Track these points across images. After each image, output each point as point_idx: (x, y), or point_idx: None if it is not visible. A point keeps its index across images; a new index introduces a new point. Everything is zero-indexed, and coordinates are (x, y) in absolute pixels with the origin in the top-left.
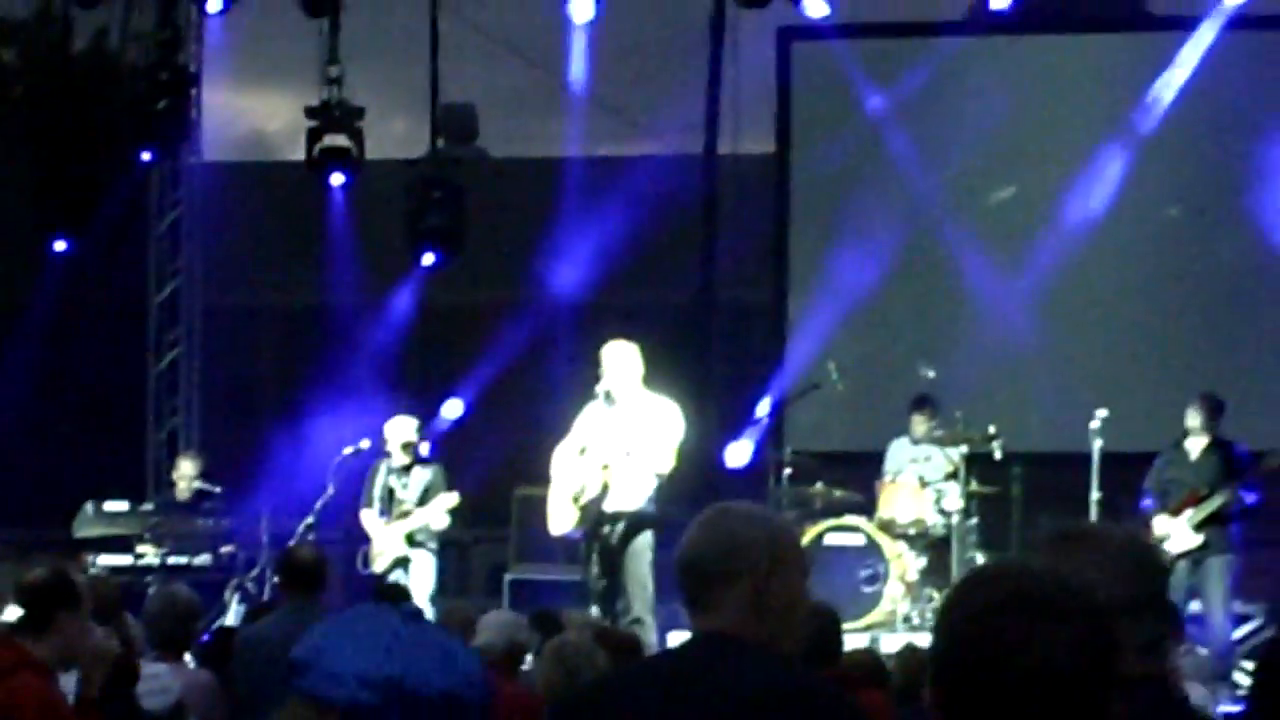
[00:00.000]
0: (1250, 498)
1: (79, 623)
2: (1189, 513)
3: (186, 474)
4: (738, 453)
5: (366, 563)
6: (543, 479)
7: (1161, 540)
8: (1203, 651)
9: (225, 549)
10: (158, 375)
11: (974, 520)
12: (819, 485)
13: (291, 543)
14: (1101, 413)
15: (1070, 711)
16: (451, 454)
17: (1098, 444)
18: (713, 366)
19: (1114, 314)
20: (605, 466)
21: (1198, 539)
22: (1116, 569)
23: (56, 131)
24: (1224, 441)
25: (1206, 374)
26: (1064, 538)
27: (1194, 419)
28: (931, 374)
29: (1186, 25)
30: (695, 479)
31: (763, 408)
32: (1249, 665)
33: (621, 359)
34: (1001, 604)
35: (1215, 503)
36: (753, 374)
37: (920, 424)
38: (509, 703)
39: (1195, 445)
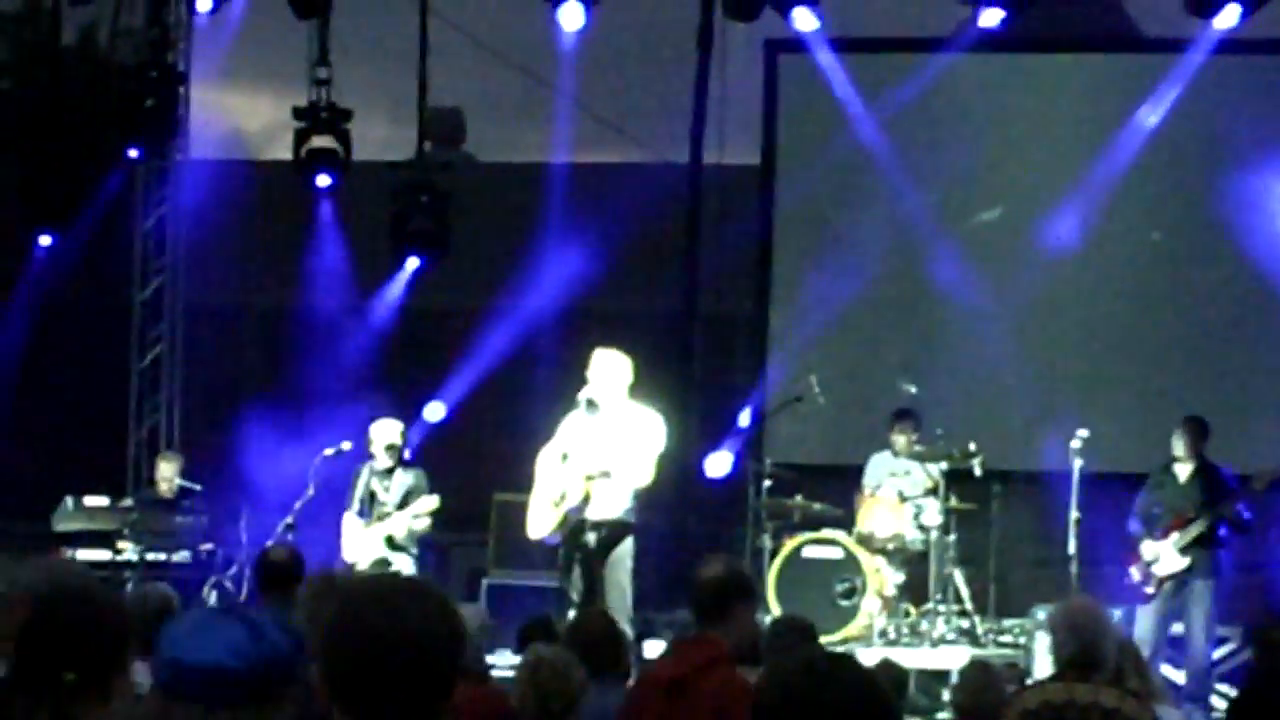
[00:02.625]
0: (1246, 514)
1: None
2: (1175, 536)
3: (167, 472)
4: (718, 463)
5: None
6: (523, 485)
7: (1150, 563)
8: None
9: (204, 547)
10: (140, 372)
11: (952, 536)
12: (798, 498)
13: (269, 543)
14: (1082, 433)
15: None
16: (432, 458)
17: (1078, 464)
18: (694, 376)
19: (1096, 336)
20: (589, 477)
21: (1184, 561)
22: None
23: (43, 126)
24: (1210, 465)
25: (1187, 397)
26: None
27: (1180, 444)
28: (913, 389)
29: (1176, 48)
30: (675, 489)
31: (743, 419)
32: (1225, 688)
33: (611, 368)
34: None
35: (1201, 526)
36: (734, 385)
37: (901, 439)
38: (472, 706)
39: (1182, 470)
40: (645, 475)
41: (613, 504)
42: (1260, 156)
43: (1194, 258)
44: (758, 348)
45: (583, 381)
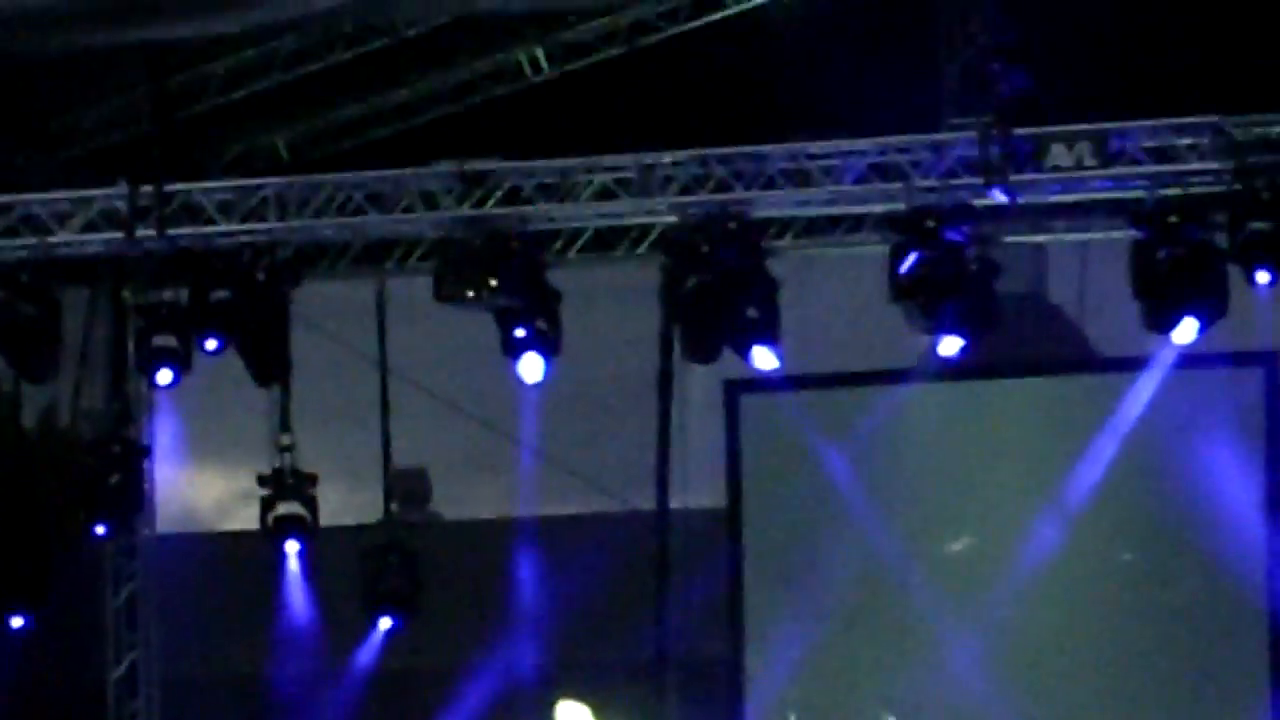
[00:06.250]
0: None
1: None
2: None
3: None
4: None
5: None
6: None
7: None
8: None
9: None
10: None
11: None
12: None
13: None
14: None
15: None
16: None
17: None
18: None
19: (1074, 658)
20: None
21: None
22: None
23: (7, 508)
24: None
25: (1166, 712)
26: None
27: None
28: None
29: (1135, 366)
30: None
31: None
32: None
33: None
34: None
35: None
36: None
37: None
38: None
39: None
40: None
41: None
42: (1227, 468)
43: (1165, 576)
44: (734, 690)
45: None
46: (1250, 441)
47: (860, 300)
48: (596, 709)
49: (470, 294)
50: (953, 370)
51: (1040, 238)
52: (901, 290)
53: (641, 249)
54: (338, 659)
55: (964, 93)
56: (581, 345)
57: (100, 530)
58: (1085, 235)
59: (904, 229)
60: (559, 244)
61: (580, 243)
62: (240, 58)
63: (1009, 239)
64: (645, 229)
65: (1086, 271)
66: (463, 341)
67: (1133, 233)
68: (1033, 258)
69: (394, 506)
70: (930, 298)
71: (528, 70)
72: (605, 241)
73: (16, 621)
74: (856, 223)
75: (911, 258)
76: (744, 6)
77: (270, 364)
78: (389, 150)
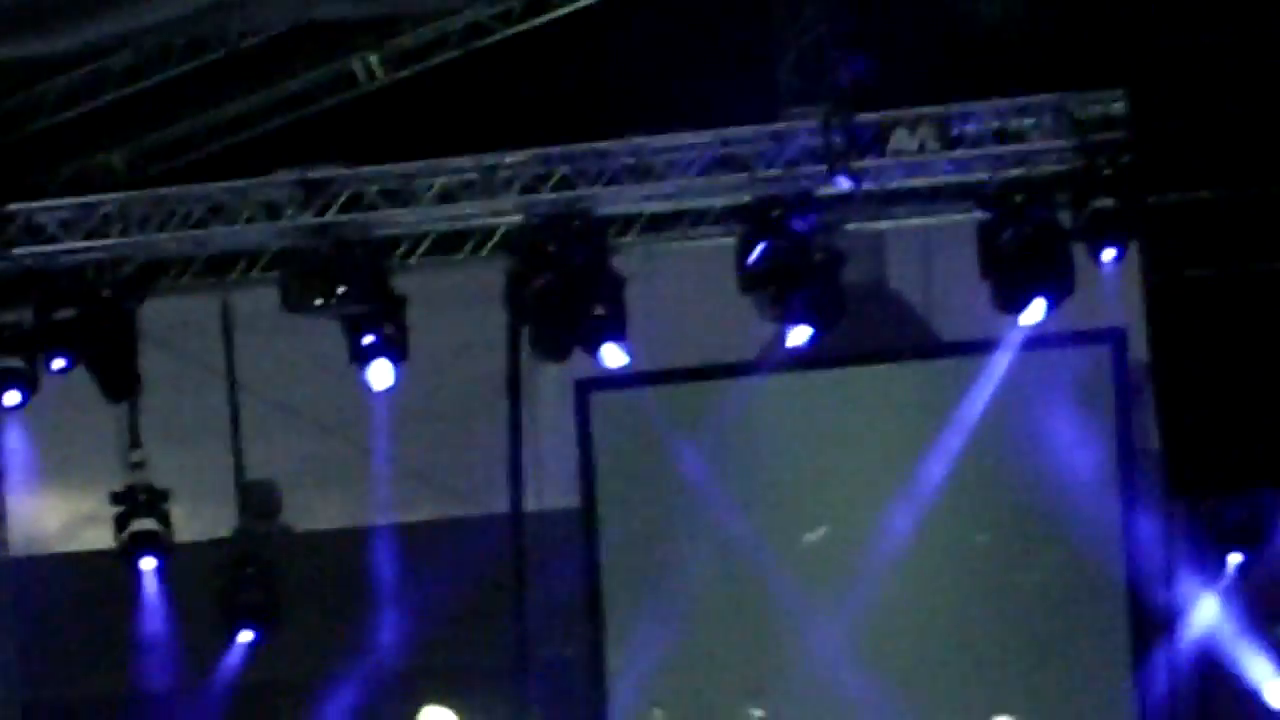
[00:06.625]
0: None
1: None
2: None
3: None
4: None
5: None
6: None
7: None
8: None
9: None
10: None
11: None
12: None
13: None
14: None
15: None
16: None
17: None
18: None
19: (935, 641)
20: None
21: None
22: None
23: None
24: None
25: (1030, 692)
26: None
27: None
28: (760, 714)
29: (982, 349)
30: None
31: None
32: None
33: None
34: None
35: None
36: None
37: None
38: None
39: None
40: None
41: None
42: (1077, 448)
43: (1022, 557)
44: (597, 689)
45: None
46: (1100, 418)
47: (706, 294)
48: (461, 714)
49: (317, 302)
50: (802, 360)
51: (882, 224)
52: (750, 281)
53: (485, 251)
54: (198, 674)
55: (801, 81)
56: (429, 350)
57: None
58: (926, 220)
59: (750, 220)
60: (402, 249)
61: (424, 247)
62: (73, 75)
63: (850, 227)
64: (489, 231)
65: (929, 258)
66: (310, 351)
67: (976, 215)
68: (872, 246)
69: (247, 519)
70: (779, 288)
71: (363, 78)
72: (449, 245)
73: None
74: (700, 216)
75: (759, 249)
76: (575, 6)
77: (119, 380)
78: (228, 163)
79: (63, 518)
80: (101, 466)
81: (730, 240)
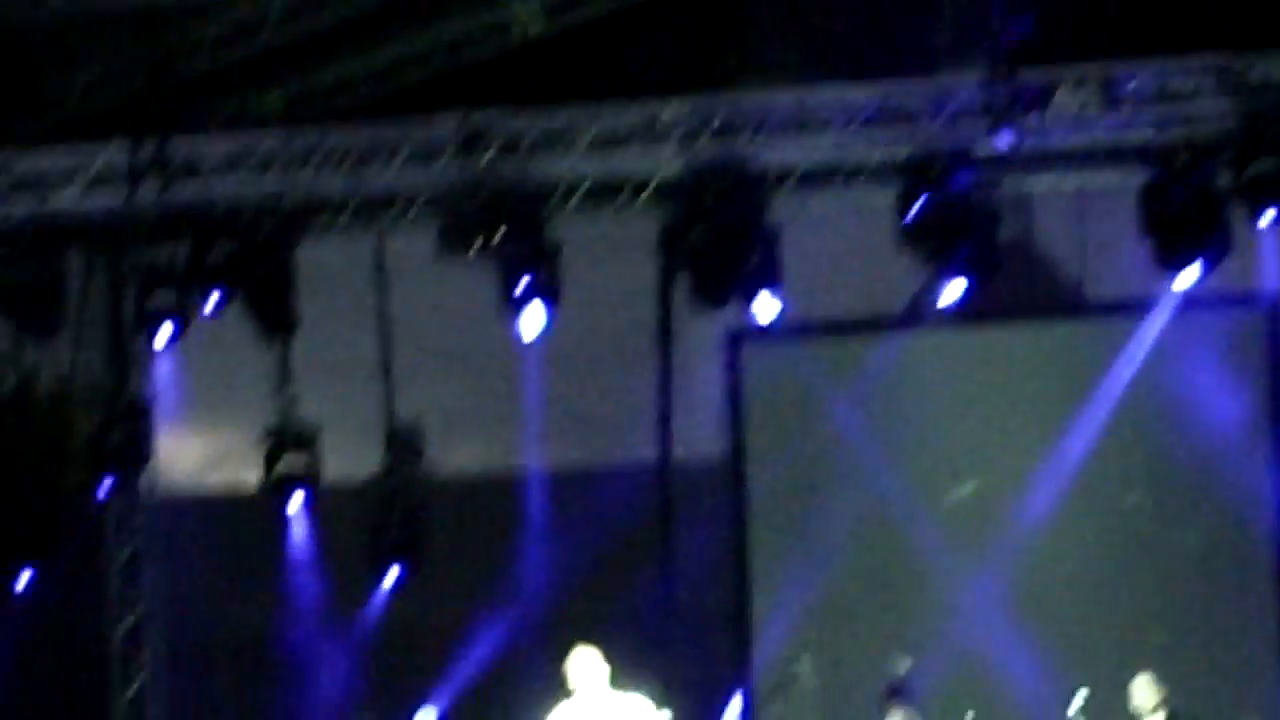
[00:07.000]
0: None
1: None
2: None
3: None
4: None
5: None
6: None
7: None
8: None
9: None
10: (123, 707)
11: None
12: None
13: None
14: (1083, 693)
15: None
16: None
17: None
18: (677, 671)
19: (1081, 600)
20: None
21: None
22: None
23: (10, 467)
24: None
25: (1174, 651)
26: None
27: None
28: (907, 663)
29: (1131, 309)
30: None
31: (732, 710)
32: None
33: (586, 666)
34: None
35: None
36: (718, 676)
37: (895, 717)
38: None
39: None
40: None
41: None
42: (1229, 410)
43: (1172, 518)
44: (741, 637)
45: (569, 691)
46: (1251, 381)
47: (857, 248)
48: (604, 659)
49: (472, 247)
50: (955, 315)
51: (1036, 183)
52: (910, 236)
53: (640, 201)
54: (343, 613)
55: (961, 37)
56: (580, 298)
57: (104, 488)
58: (1081, 180)
59: (910, 175)
60: (557, 196)
61: (579, 195)
62: (234, 16)
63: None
64: (644, 180)
65: (1080, 218)
66: (462, 296)
67: (1130, 177)
68: (1020, 206)
69: (395, 460)
70: (939, 243)
71: (521, 25)
72: (604, 194)
73: (23, 578)
74: (855, 170)
75: (919, 203)
76: None
77: (277, 318)
78: (387, 107)
79: (212, 454)
80: (253, 405)
81: (881, 195)
